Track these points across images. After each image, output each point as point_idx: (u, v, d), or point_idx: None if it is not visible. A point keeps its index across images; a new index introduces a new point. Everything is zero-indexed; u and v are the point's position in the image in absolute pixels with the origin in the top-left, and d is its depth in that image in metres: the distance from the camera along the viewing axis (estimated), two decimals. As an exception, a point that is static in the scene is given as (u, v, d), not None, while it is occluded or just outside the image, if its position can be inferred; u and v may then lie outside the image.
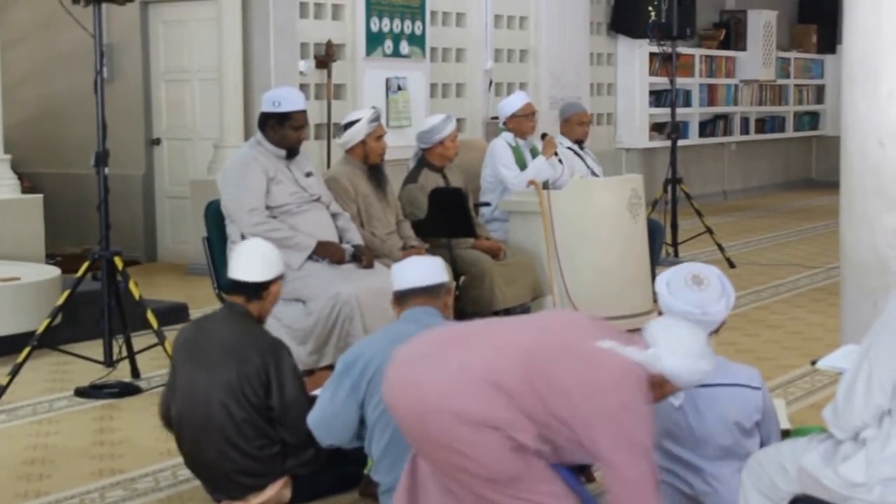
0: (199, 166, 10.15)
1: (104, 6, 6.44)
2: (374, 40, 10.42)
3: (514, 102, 7.87)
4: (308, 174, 6.18)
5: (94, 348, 6.66)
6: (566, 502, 3.32)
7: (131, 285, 6.44)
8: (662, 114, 13.83)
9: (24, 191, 8.92)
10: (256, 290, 4.53)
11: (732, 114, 16.15)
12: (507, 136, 7.72)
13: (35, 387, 6.40)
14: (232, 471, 4.37)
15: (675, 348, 3.34)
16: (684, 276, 3.84)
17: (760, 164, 17.15)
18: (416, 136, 7.24)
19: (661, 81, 14.06)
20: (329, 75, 9.98)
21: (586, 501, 3.44)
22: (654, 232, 8.02)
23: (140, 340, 6.62)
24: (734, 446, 3.82)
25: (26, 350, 6.20)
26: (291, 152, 6.11)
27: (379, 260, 6.21)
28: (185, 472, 4.71)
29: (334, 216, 6.24)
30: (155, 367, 6.54)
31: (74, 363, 6.61)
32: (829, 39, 17.47)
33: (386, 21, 10.53)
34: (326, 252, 6.00)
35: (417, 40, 10.87)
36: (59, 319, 6.49)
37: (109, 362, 6.46)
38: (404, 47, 10.72)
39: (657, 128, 14.30)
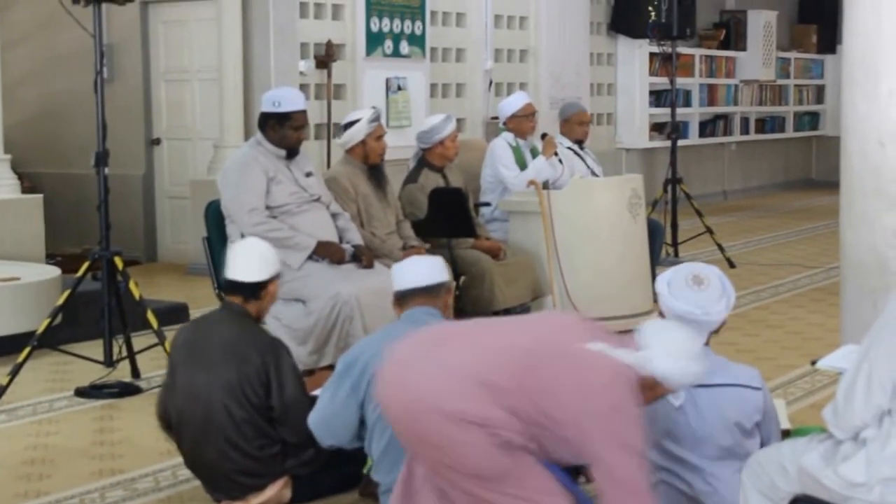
0: (199, 166, 10.15)
1: (104, 6, 6.44)
2: (374, 40, 10.42)
3: (514, 102, 7.87)
4: (308, 174, 6.18)
5: (95, 348, 6.66)
6: (557, 499, 3.33)
7: (131, 285, 6.44)
8: (662, 114, 13.83)
9: (25, 191, 8.92)
10: (254, 290, 4.53)
11: (732, 114, 16.15)
12: (508, 136, 7.72)
13: (35, 387, 6.40)
14: (232, 471, 4.37)
15: (666, 350, 3.35)
16: (685, 276, 3.84)
17: (760, 164, 17.16)
18: (416, 136, 7.24)
19: (661, 81, 14.06)
20: (329, 75, 9.98)
21: (580, 500, 3.44)
22: (654, 232, 8.03)
23: (140, 340, 6.62)
24: (734, 447, 3.82)
25: (26, 350, 6.20)
26: (291, 152, 6.11)
27: (379, 260, 6.21)
28: (185, 472, 4.71)
29: (334, 216, 6.24)
30: (155, 367, 6.54)
31: (74, 363, 6.61)
32: (829, 39, 17.47)
33: (386, 21, 10.53)
34: (326, 252, 6.01)
35: (417, 40, 10.87)
36: (59, 319, 6.49)
37: (109, 362, 6.46)
38: (404, 47, 10.73)
39: (657, 128, 14.30)
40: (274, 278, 4.58)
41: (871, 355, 3.22)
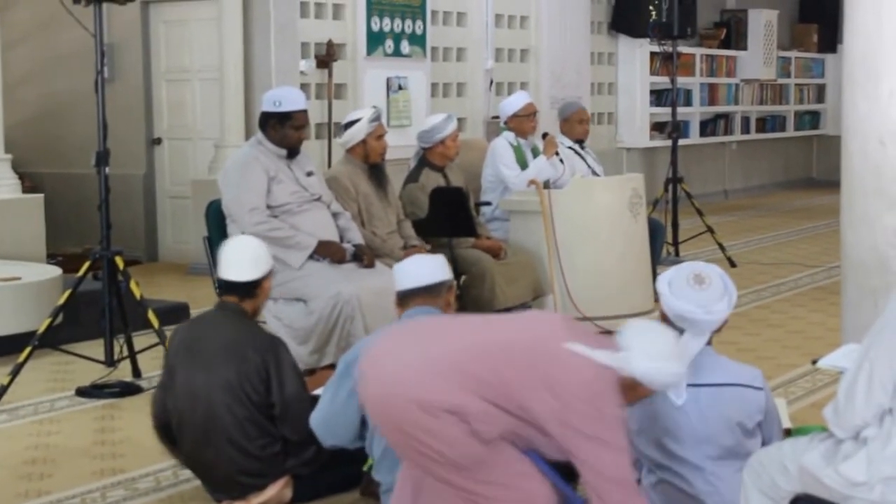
0: (200, 166, 10.16)
1: (105, 6, 6.43)
2: (374, 40, 10.42)
3: (515, 102, 7.87)
4: (309, 174, 6.18)
5: (95, 348, 6.66)
6: (534, 483, 3.36)
7: (132, 285, 6.44)
8: (663, 113, 13.82)
9: (25, 190, 8.92)
10: (249, 289, 4.53)
11: (733, 113, 16.14)
12: (509, 136, 7.72)
13: (36, 386, 6.40)
14: (233, 471, 4.37)
15: (646, 351, 3.37)
16: (686, 275, 3.84)
17: (761, 163, 17.15)
18: (416, 136, 7.24)
19: (662, 81, 14.06)
20: (330, 75, 9.98)
21: (570, 499, 3.46)
22: (654, 231, 8.03)
23: (141, 340, 6.62)
24: (736, 446, 3.82)
25: (27, 350, 6.20)
26: (292, 152, 6.12)
27: (380, 259, 6.21)
28: (186, 472, 4.71)
29: (335, 215, 6.24)
30: (156, 366, 6.53)
31: (75, 363, 6.61)
32: (830, 39, 17.46)
33: (387, 20, 10.54)
34: (327, 251, 6.01)
35: (418, 40, 10.87)
36: (60, 319, 6.49)
37: (110, 362, 6.47)
38: (405, 47, 10.73)
39: (658, 127, 14.30)
40: (268, 275, 4.58)
41: (871, 354, 3.22)
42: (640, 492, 3.88)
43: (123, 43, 10.52)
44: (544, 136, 7.78)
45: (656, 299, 4.23)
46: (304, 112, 6.15)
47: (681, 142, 11.31)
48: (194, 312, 7.67)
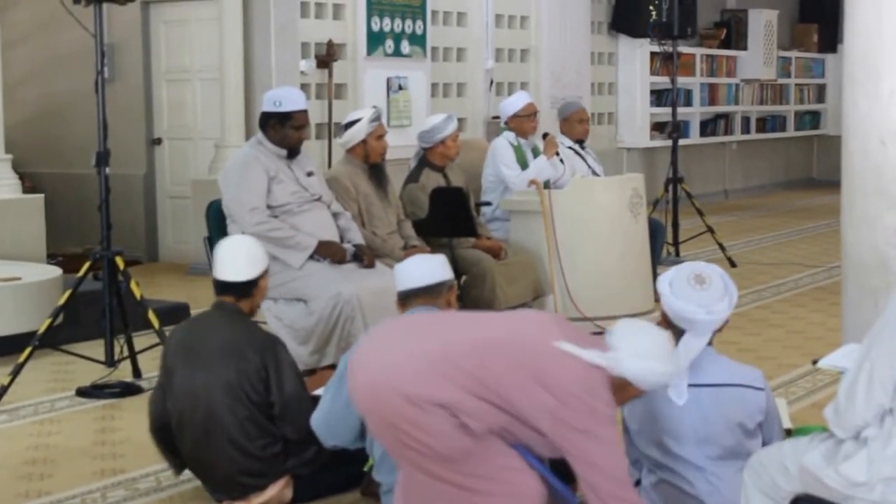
0: (201, 166, 10.15)
1: (105, 6, 6.43)
2: (374, 40, 10.42)
3: (515, 102, 7.87)
4: (309, 174, 6.18)
5: (96, 348, 6.66)
6: (522, 476, 3.38)
7: (132, 285, 6.44)
8: (663, 113, 13.82)
9: (26, 191, 8.92)
10: (246, 289, 4.52)
11: (733, 113, 16.14)
12: (509, 136, 7.72)
13: (36, 387, 6.40)
14: (234, 471, 4.37)
15: (635, 351, 3.39)
16: (687, 275, 3.84)
17: (761, 163, 17.15)
18: (417, 136, 7.24)
19: (662, 81, 14.06)
20: (330, 75, 9.98)
21: (550, 481, 3.47)
22: (655, 231, 8.04)
23: (141, 340, 6.62)
24: (737, 447, 3.82)
25: (28, 350, 6.20)
26: (292, 152, 6.12)
27: (380, 259, 6.21)
28: (187, 472, 4.70)
29: (335, 216, 6.24)
30: (156, 366, 6.48)
31: (76, 363, 6.61)
32: (830, 39, 17.46)
33: (387, 21, 10.54)
34: (328, 252, 6.01)
35: (418, 40, 10.87)
36: (60, 319, 6.49)
37: (111, 362, 6.46)
38: (405, 47, 10.72)
39: (658, 127, 14.29)
40: (264, 274, 4.58)
41: (872, 354, 3.22)
42: (641, 492, 3.89)
43: (123, 43, 10.52)
44: (545, 136, 7.79)
45: (657, 299, 4.23)
46: (305, 112, 6.15)
47: (681, 142, 11.31)
48: (194, 312, 7.65)
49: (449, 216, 6.81)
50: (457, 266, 6.58)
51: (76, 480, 4.93)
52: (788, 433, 4.06)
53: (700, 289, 3.80)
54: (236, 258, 4.53)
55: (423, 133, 7.15)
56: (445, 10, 11.37)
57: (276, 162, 6.05)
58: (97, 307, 6.54)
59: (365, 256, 6.10)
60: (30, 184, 9.81)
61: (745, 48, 16.07)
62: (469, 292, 6.74)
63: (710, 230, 10.34)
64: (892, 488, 3.16)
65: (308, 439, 4.32)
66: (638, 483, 3.94)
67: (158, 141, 10.64)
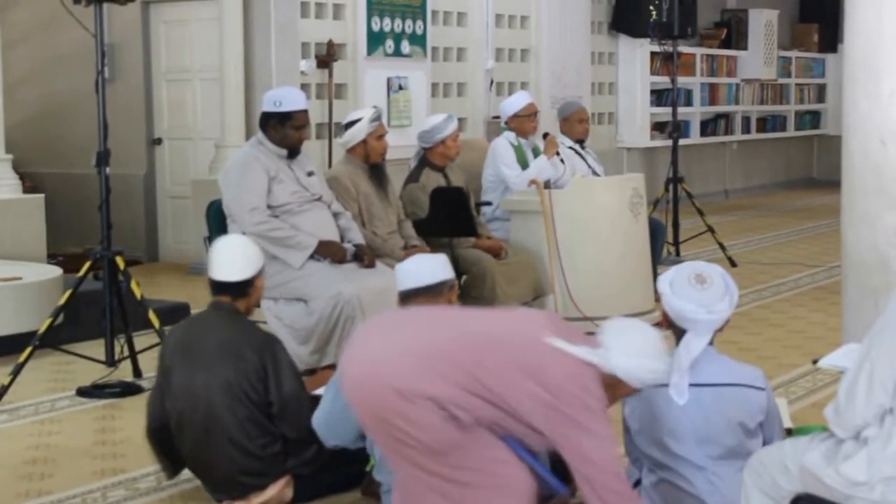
0: (201, 166, 10.16)
1: (105, 6, 6.43)
2: (375, 40, 10.42)
3: (516, 102, 7.87)
4: (310, 173, 6.18)
5: (96, 348, 6.66)
6: (511, 468, 3.39)
7: (133, 285, 6.44)
8: (664, 113, 13.82)
9: (26, 191, 8.92)
10: (242, 288, 4.52)
11: (734, 113, 16.14)
12: (509, 136, 7.72)
13: (37, 386, 6.40)
14: (234, 471, 4.37)
15: (625, 350, 3.42)
16: (687, 275, 3.84)
17: (762, 163, 17.15)
18: (417, 136, 7.24)
19: (663, 81, 14.06)
20: (330, 75, 9.98)
21: (540, 472, 3.48)
22: (655, 231, 8.03)
23: (141, 340, 6.62)
24: (737, 446, 3.82)
25: (28, 350, 6.20)
26: (293, 152, 6.12)
27: (380, 259, 6.21)
28: (187, 472, 4.70)
29: (336, 215, 6.24)
30: (157, 366, 6.53)
31: (76, 363, 6.61)
32: (831, 38, 17.46)
33: (387, 20, 10.54)
34: (328, 251, 6.01)
35: (418, 40, 10.87)
36: (60, 319, 6.49)
37: (111, 362, 6.47)
38: (405, 47, 10.72)
39: (658, 127, 14.29)
40: (259, 273, 4.58)
41: (872, 354, 3.22)
42: (641, 491, 3.89)
43: (124, 43, 10.52)
44: (545, 136, 7.78)
45: (657, 299, 4.23)
46: (305, 112, 6.16)
47: (681, 142, 11.31)
48: (195, 312, 7.66)
49: (449, 216, 6.81)
50: (457, 266, 6.57)
51: (76, 480, 4.93)
52: (789, 433, 4.06)
53: (701, 288, 3.80)
54: (232, 258, 4.53)
55: (424, 133, 7.15)
56: (445, 10, 11.37)
57: (276, 162, 6.05)
58: (97, 307, 6.54)
59: (365, 256, 6.10)
60: (30, 184, 9.81)
61: (745, 48, 16.07)
62: (469, 292, 6.74)
63: (711, 230, 10.34)
64: (893, 488, 3.16)
65: (308, 439, 4.33)
66: (638, 482, 3.94)
67: (159, 141, 10.64)
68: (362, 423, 3.53)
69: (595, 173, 8.19)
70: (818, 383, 6.23)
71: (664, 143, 13.51)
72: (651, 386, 3.64)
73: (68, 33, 7.94)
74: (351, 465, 4.50)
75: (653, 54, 13.90)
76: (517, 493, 3.39)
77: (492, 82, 11.83)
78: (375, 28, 10.43)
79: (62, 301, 6.45)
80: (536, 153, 7.73)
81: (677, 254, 10.28)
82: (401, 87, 10.62)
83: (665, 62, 13.72)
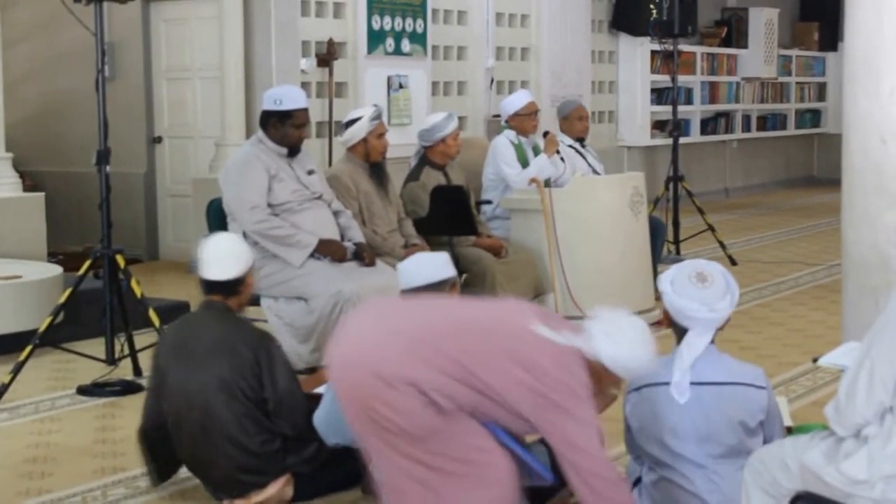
0: (201, 164, 10.15)
1: (105, 4, 6.42)
2: (375, 38, 10.42)
3: (516, 101, 7.88)
4: (310, 172, 6.18)
5: (96, 346, 6.66)
6: (493, 456, 3.39)
7: (133, 283, 6.44)
8: (664, 111, 13.81)
9: (26, 189, 8.92)
10: (234, 287, 4.53)
11: (734, 111, 16.14)
12: (510, 134, 7.73)
13: (37, 385, 6.40)
14: (233, 469, 4.36)
15: (610, 337, 3.45)
16: (688, 273, 3.84)
17: (762, 161, 17.15)
18: (417, 134, 7.25)
19: (663, 79, 14.05)
20: (330, 73, 9.98)
21: (535, 467, 3.48)
22: (655, 229, 8.04)
23: (142, 339, 6.62)
24: (738, 445, 3.81)
25: (28, 348, 6.20)
26: (293, 150, 6.12)
27: (380, 258, 6.22)
28: (187, 472, 4.70)
29: (336, 214, 6.24)
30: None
31: (76, 361, 6.61)
32: (831, 37, 17.46)
33: (387, 19, 10.53)
34: (328, 250, 6.01)
35: (419, 38, 10.87)
36: (60, 318, 6.49)
37: (111, 360, 6.46)
38: (406, 45, 10.72)
39: (659, 125, 14.29)
40: (250, 270, 4.58)
41: (872, 353, 3.22)
42: (641, 490, 3.89)
43: (124, 41, 10.52)
44: (545, 134, 7.79)
45: (657, 297, 4.23)
46: (305, 110, 6.16)
47: (682, 140, 11.30)
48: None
49: (449, 214, 6.81)
50: (457, 264, 6.55)
51: (77, 478, 4.93)
52: (789, 431, 4.06)
53: (702, 287, 3.80)
54: (222, 257, 4.53)
55: (424, 131, 7.15)
56: (446, 9, 11.37)
57: (276, 160, 6.05)
58: (98, 305, 6.54)
59: (365, 255, 6.11)
60: (30, 182, 9.80)
61: (745, 46, 16.07)
62: (469, 290, 6.74)
63: (711, 228, 10.34)
64: (893, 486, 3.16)
65: (307, 436, 4.33)
66: (638, 481, 3.95)
67: (159, 139, 10.63)
68: (345, 409, 3.52)
69: (595, 172, 8.19)
70: (818, 382, 6.23)
71: (664, 141, 13.50)
72: (638, 377, 3.68)
73: (68, 32, 7.94)
74: (351, 464, 4.48)
75: (653, 53, 13.89)
76: (498, 482, 3.39)
77: (492, 81, 11.83)
78: (376, 26, 10.43)
79: (62, 299, 6.45)
80: (537, 152, 7.73)
81: (677, 252, 10.28)
82: (401, 86, 10.61)
83: (665, 61, 13.71)
